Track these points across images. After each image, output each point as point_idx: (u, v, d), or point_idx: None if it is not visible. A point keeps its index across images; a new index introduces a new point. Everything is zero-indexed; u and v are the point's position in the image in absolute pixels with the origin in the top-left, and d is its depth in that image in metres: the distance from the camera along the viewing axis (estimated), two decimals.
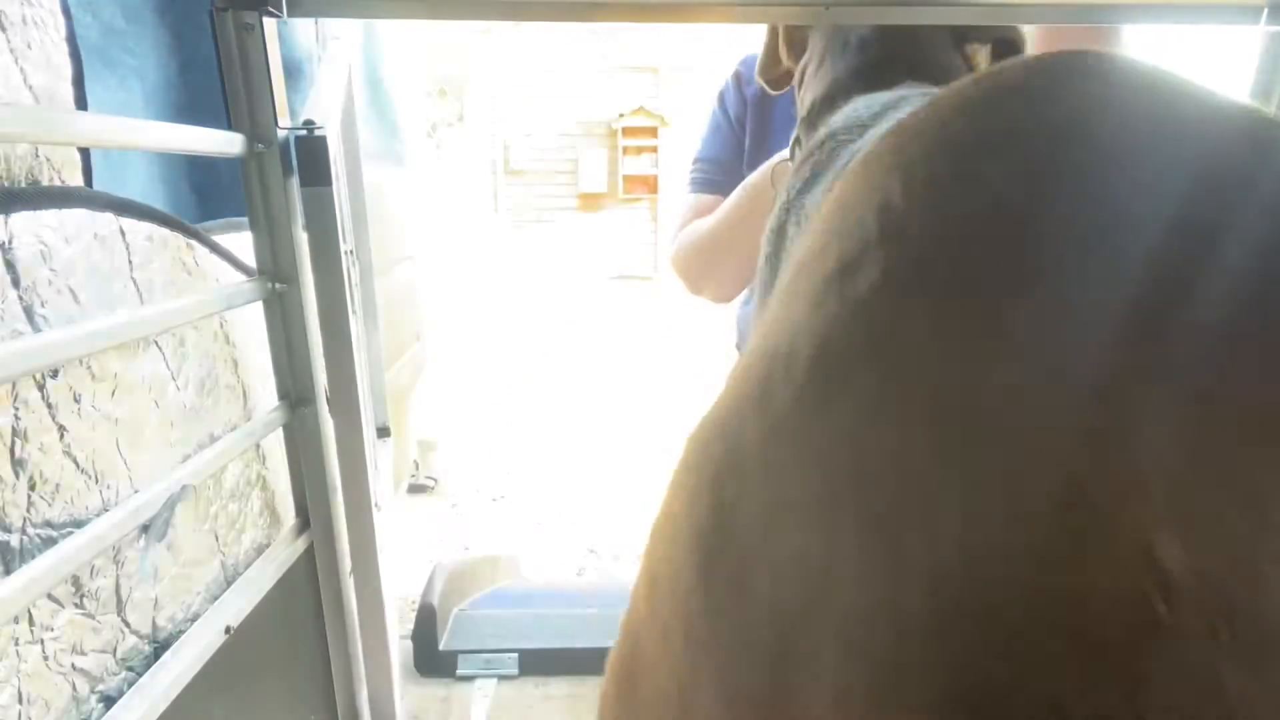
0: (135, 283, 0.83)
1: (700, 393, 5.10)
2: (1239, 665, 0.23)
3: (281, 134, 0.94)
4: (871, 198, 0.33)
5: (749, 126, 1.30)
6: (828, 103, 0.80)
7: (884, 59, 0.80)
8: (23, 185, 0.70)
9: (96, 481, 0.74)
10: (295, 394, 1.04)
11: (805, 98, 0.88)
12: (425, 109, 8.87)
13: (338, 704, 1.21)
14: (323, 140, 0.96)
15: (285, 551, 1.05)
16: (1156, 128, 0.31)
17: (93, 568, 0.73)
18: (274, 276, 0.99)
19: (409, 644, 1.65)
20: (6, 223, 0.66)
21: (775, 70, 1.01)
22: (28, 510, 0.66)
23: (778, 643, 0.28)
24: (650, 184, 8.83)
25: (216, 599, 0.93)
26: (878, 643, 0.25)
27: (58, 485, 0.69)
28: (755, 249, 1.24)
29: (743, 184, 1.18)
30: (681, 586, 0.33)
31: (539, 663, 1.60)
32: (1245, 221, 0.28)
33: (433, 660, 1.62)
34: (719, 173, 1.35)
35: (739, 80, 1.33)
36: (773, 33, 1.00)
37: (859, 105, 0.72)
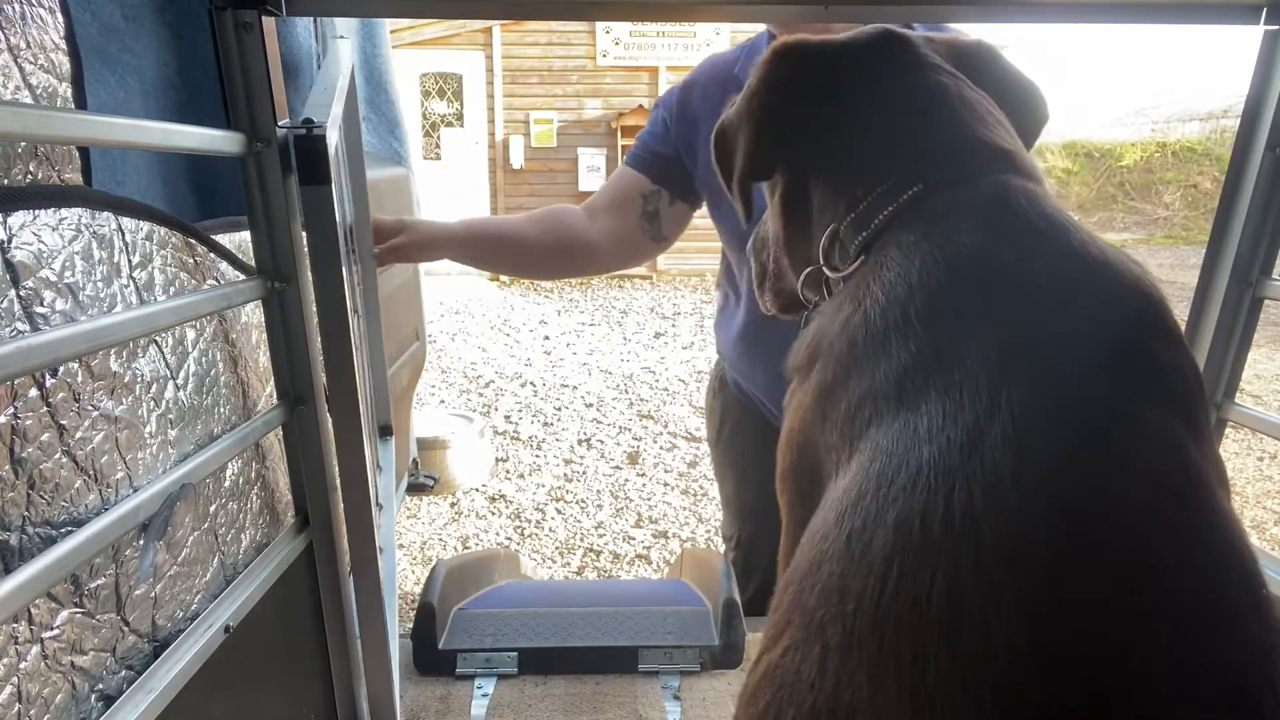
0: (134, 282, 0.83)
1: (698, 391, 5.10)
2: None
3: (281, 133, 0.94)
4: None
5: (674, 135, 1.36)
6: (859, 228, 0.63)
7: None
8: (22, 184, 0.70)
9: (96, 480, 0.74)
10: (294, 393, 1.04)
11: (816, 230, 0.69)
12: (425, 108, 8.86)
13: (337, 703, 1.21)
14: (321, 139, 0.96)
15: (285, 550, 1.05)
16: None
17: (92, 567, 0.73)
18: (273, 275, 0.99)
19: (408, 643, 1.65)
20: (6, 222, 0.66)
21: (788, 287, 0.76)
22: (27, 509, 0.66)
23: None
24: None
25: (216, 598, 0.93)
26: None
27: (57, 484, 0.69)
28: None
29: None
30: None
31: (538, 661, 1.60)
32: None
33: (432, 659, 1.62)
34: (639, 148, 1.43)
35: (686, 91, 1.36)
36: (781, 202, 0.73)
37: (918, 264, 0.56)
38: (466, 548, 3.26)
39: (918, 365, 0.51)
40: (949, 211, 0.58)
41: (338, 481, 1.11)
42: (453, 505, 3.57)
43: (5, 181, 0.68)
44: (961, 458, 0.44)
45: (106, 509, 0.74)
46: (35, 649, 0.66)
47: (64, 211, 0.72)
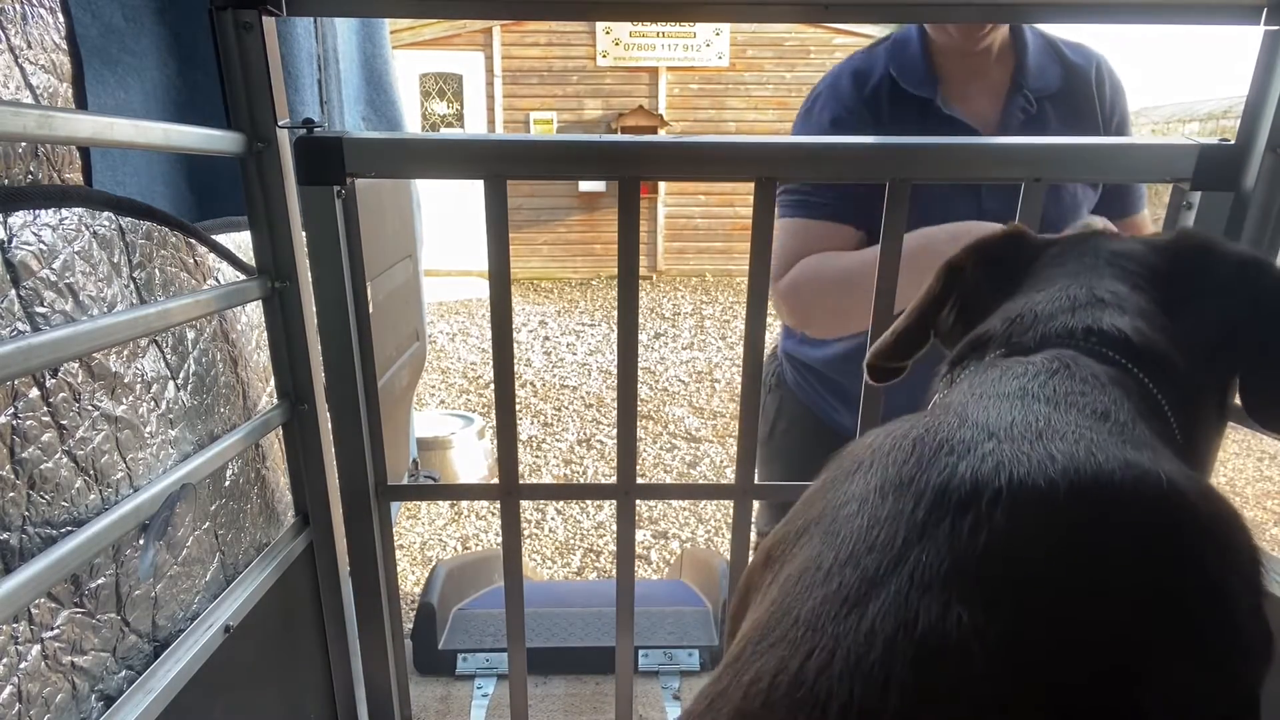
0: (135, 282, 0.83)
1: (698, 392, 5.10)
2: None
3: (281, 133, 0.94)
4: None
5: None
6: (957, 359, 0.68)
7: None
8: (22, 185, 0.70)
9: (96, 480, 0.74)
10: (295, 392, 1.04)
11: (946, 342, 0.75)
12: (425, 109, 8.87)
13: (337, 703, 1.21)
14: (320, 139, 0.96)
15: (285, 550, 1.05)
16: None
17: (92, 567, 0.73)
18: (274, 275, 0.99)
19: (408, 643, 1.65)
20: (6, 222, 0.66)
21: (911, 351, 0.79)
22: (27, 509, 0.66)
23: None
24: (648, 184, 8.83)
25: (216, 598, 0.93)
26: None
27: (57, 484, 0.69)
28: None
29: (922, 233, 1.01)
30: None
31: (538, 662, 1.60)
32: None
33: (432, 659, 1.62)
34: (832, 196, 1.17)
35: (857, 81, 1.17)
36: (931, 300, 0.77)
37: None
38: (466, 548, 3.27)
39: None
40: (985, 374, 0.60)
41: (338, 481, 1.11)
42: (453, 506, 3.57)
43: (5, 181, 0.68)
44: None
45: (106, 509, 0.74)
46: (35, 649, 0.66)
47: (64, 211, 0.72)
